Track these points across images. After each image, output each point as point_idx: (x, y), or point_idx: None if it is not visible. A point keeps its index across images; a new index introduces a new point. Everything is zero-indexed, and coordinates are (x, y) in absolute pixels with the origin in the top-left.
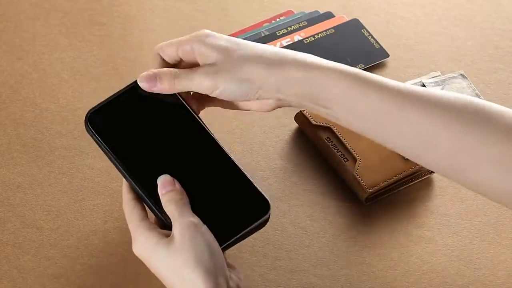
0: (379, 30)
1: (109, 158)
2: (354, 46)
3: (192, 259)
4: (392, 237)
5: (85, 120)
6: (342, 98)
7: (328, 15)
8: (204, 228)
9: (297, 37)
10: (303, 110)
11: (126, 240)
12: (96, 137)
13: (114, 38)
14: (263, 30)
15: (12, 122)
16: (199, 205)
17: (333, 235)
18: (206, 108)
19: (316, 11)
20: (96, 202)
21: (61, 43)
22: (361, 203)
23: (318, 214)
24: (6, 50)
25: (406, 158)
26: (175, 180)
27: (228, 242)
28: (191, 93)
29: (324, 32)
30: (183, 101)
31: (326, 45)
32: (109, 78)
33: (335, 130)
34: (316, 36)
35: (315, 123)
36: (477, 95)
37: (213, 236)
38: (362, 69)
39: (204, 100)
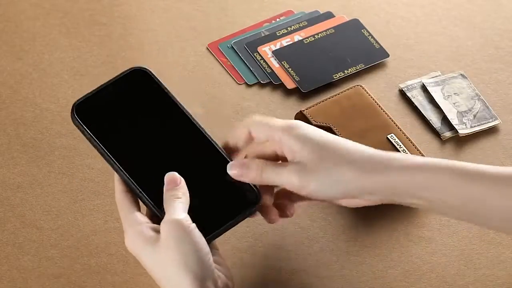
0: (379, 30)
1: (99, 151)
2: (354, 46)
3: (177, 259)
4: (392, 237)
5: (71, 111)
6: (440, 196)
7: (328, 15)
8: (192, 226)
9: (297, 37)
10: (303, 110)
11: None
12: (84, 128)
13: (114, 38)
14: (263, 30)
15: (12, 122)
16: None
17: (333, 235)
18: (205, 107)
19: (316, 11)
20: (96, 202)
21: (61, 43)
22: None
23: (318, 214)
24: (6, 50)
25: None
26: (181, 179)
27: (217, 231)
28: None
29: (324, 32)
30: (171, 94)
31: (326, 45)
32: (109, 78)
33: (335, 130)
34: (316, 36)
35: (315, 123)
36: (477, 95)
37: (201, 235)
38: (362, 69)
39: (295, 197)
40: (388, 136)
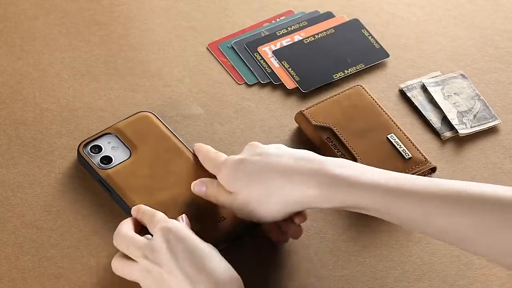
0: (379, 30)
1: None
2: (354, 46)
3: (172, 264)
4: (392, 237)
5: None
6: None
7: (328, 15)
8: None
9: (297, 37)
10: (303, 110)
11: None
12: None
13: (114, 38)
14: (263, 30)
15: (12, 122)
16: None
17: (333, 235)
18: (205, 107)
19: (316, 11)
20: (96, 202)
21: (61, 43)
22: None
23: (318, 214)
24: (6, 50)
25: (406, 157)
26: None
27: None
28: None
29: (324, 32)
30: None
31: (326, 45)
32: (109, 78)
33: (335, 130)
34: (316, 36)
35: (315, 123)
36: (477, 95)
37: (198, 239)
38: (362, 69)
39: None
40: (388, 136)
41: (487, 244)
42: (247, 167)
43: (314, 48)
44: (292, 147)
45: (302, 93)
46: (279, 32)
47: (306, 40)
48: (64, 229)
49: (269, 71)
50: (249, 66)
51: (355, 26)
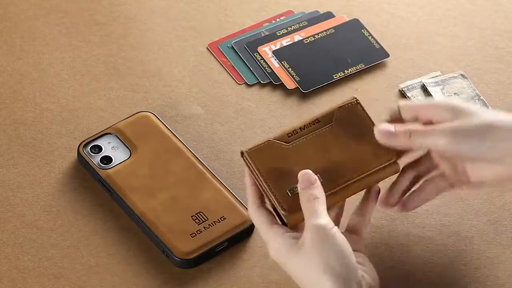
0: (379, 30)
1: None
2: (354, 46)
3: (321, 265)
4: (392, 237)
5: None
6: None
7: (328, 15)
8: (335, 229)
9: (297, 37)
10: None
11: (127, 240)
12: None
13: (114, 38)
14: (263, 30)
15: (12, 122)
16: None
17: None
18: (205, 107)
19: (316, 11)
20: (97, 201)
21: (61, 43)
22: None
23: None
24: (6, 50)
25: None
26: (316, 178)
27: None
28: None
29: (324, 32)
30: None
31: (326, 45)
32: (109, 78)
33: None
34: (316, 36)
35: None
36: (477, 95)
37: (343, 238)
38: (362, 69)
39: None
40: None
41: None
42: None
43: (314, 48)
44: None
45: (302, 93)
46: (279, 32)
47: (306, 40)
48: (64, 229)
49: (269, 71)
50: (249, 66)
51: (355, 26)
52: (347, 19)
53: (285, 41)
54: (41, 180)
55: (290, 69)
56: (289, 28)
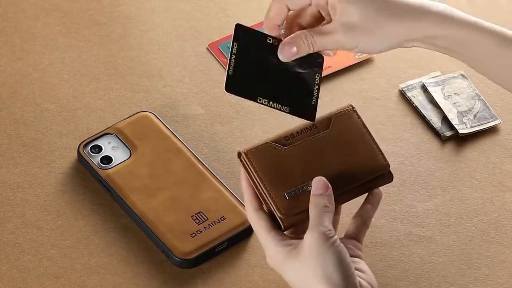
0: None
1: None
2: None
3: (318, 273)
4: (392, 236)
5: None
6: (477, 57)
7: None
8: (335, 238)
9: None
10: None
11: (127, 240)
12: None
13: (114, 38)
14: (263, 30)
15: (12, 122)
16: None
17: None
18: (205, 107)
19: None
20: (97, 201)
21: (61, 43)
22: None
23: None
24: (6, 50)
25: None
26: (330, 187)
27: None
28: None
29: None
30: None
31: None
32: (109, 78)
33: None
34: None
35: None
36: (477, 95)
37: (343, 246)
38: (362, 69)
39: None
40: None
41: None
42: None
43: None
44: None
45: None
46: None
47: None
48: (64, 229)
49: None
50: None
51: None
52: None
53: None
54: (41, 180)
55: None
56: None
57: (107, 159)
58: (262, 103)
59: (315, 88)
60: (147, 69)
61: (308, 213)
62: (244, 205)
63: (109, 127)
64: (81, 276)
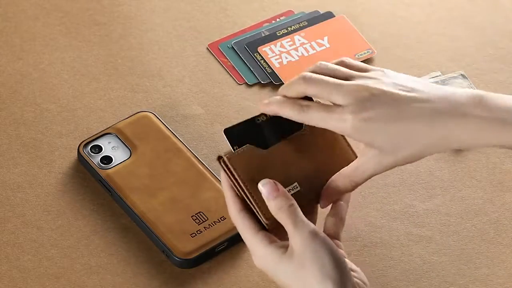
0: (379, 30)
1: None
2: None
3: (316, 272)
4: (392, 236)
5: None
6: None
7: (328, 15)
8: (322, 235)
9: (297, 37)
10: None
11: (127, 240)
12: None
13: (114, 38)
14: (263, 30)
15: (12, 122)
16: None
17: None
18: (205, 107)
19: (316, 11)
20: (97, 201)
21: (61, 43)
22: (360, 202)
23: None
24: (6, 50)
25: None
26: (278, 183)
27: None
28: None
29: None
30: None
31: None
32: (109, 78)
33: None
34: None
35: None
36: None
37: (332, 242)
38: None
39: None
40: None
41: None
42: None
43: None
44: None
45: None
46: (279, 32)
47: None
48: (64, 229)
49: (269, 71)
50: (249, 66)
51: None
52: (347, 19)
53: (285, 41)
54: (41, 180)
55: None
56: (289, 28)
57: (107, 159)
58: None
59: None
60: (147, 69)
61: None
62: None
63: (109, 127)
64: (81, 276)
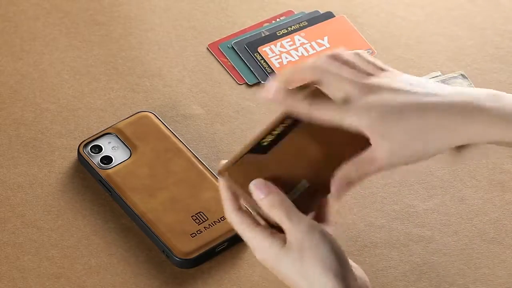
0: (379, 30)
1: None
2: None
3: (317, 264)
4: (392, 236)
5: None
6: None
7: (328, 15)
8: (320, 227)
9: (297, 37)
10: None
11: (127, 240)
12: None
13: (114, 38)
14: (263, 30)
15: (12, 122)
16: None
17: (333, 235)
18: (205, 107)
19: (316, 11)
20: (97, 201)
21: (61, 43)
22: (360, 202)
23: None
24: (6, 50)
25: None
26: (268, 182)
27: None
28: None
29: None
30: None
31: None
32: (109, 78)
33: None
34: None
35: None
36: None
37: (331, 234)
38: None
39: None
40: None
41: None
42: None
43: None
44: None
45: None
46: (279, 32)
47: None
48: (64, 229)
49: (269, 71)
50: (249, 66)
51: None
52: (348, 19)
53: (285, 41)
54: (41, 180)
55: None
56: (289, 28)
57: (107, 159)
58: None
59: None
60: (147, 69)
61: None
62: None
63: (109, 127)
64: (81, 276)
